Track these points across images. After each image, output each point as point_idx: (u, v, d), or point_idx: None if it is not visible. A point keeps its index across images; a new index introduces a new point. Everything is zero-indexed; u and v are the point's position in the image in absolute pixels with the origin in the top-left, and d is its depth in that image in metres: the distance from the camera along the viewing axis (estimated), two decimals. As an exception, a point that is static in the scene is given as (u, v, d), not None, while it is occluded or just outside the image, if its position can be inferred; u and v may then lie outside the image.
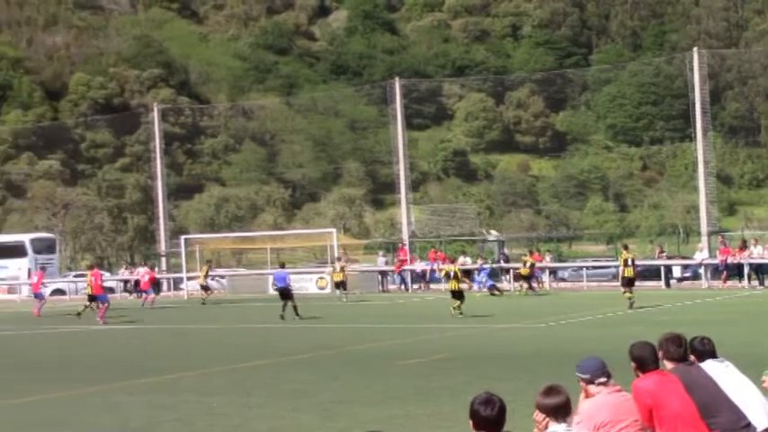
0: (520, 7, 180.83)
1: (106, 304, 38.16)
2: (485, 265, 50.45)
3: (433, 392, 16.95)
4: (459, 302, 33.79)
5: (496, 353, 23.03)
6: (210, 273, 53.57)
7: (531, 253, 51.36)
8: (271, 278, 54.77)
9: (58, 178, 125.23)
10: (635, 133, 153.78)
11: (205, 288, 49.62)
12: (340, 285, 46.49)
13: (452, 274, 35.11)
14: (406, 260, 56.19)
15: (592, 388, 7.84)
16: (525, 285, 46.96)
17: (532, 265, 48.07)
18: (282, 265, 40.41)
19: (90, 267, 44.79)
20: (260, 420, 14.93)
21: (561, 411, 6.82)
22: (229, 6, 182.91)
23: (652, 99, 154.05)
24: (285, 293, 36.42)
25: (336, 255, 52.53)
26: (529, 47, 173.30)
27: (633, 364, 8.35)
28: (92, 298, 38.90)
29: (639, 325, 26.91)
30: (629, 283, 34.91)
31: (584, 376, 7.87)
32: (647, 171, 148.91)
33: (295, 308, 35.59)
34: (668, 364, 8.59)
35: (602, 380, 7.77)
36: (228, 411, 15.79)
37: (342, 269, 47.31)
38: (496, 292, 46.72)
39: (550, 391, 6.88)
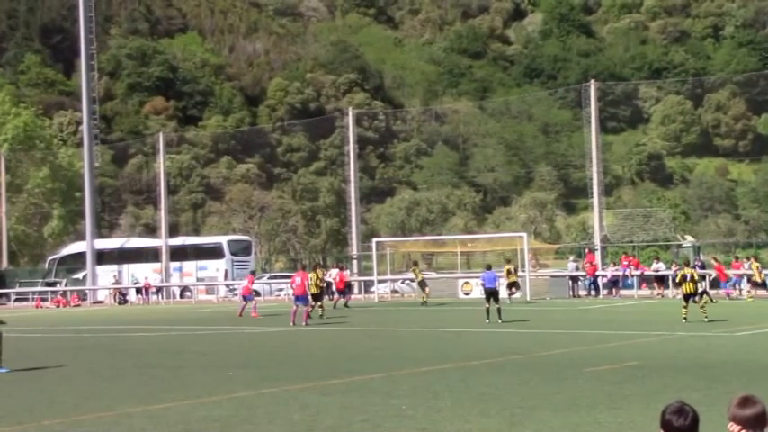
0: (722, 7, 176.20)
1: (307, 307, 38.16)
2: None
3: (624, 400, 16.63)
4: (687, 307, 33.38)
5: (687, 361, 22.43)
6: (402, 275, 54.08)
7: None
8: (462, 281, 55.05)
9: (255, 182, 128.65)
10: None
11: (422, 285, 49.79)
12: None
13: (689, 276, 34.00)
14: (596, 266, 55.45)
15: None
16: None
17: None
18: (489, 267, 39.88)
19: (303, 268, 46.01)
20: (446, 423, 14.92)
21: (758, 423, 6.55)
22: (425, 11, 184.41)
23: None
24: (493, 294, 36.35)
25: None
26: (730, 48, 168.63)
27: None
28: (316, 297, 39.34)
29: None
30: None
31: None
32: None
33: (498, 310, 35.53)
34: None
35: None
36: (415, 414, 15.85)
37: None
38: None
39: (746, 401, 6.60)
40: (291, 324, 37.15)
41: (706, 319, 32.79)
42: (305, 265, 46.55)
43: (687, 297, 33.42)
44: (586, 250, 59.29)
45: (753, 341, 27.04)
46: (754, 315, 35.69)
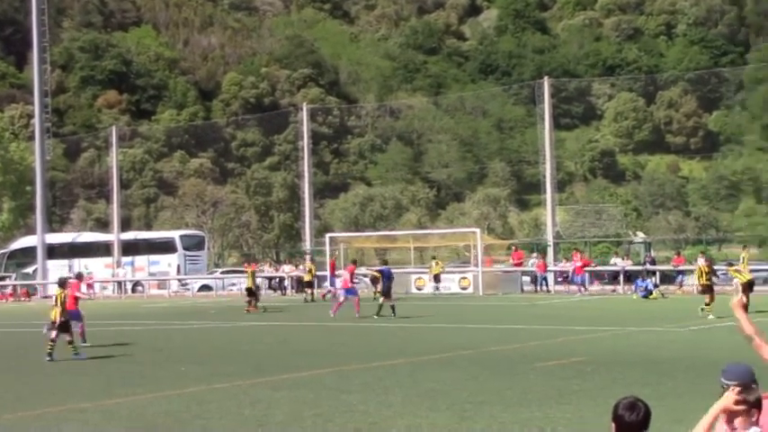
0: (675, 5, 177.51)
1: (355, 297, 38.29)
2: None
3: (573, 395, 16.79)
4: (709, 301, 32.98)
5: (637, 357, 22.66)
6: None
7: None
8: (415, 277, 55.33)
9: (208, 176, 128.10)
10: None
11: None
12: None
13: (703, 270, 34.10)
14: (521, 263, 57.06)
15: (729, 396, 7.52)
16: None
17: None
18: (386, 263, 42.48)
19: (354, 262, 44.88)
20: (397, 418, 15.00)
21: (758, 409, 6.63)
22: (380, 6, 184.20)
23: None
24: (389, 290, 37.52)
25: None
26: (683, 45, 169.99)
27: None
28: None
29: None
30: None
31: (733, 383, 7.47)
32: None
33: (393, 307, 36.24)
34: None
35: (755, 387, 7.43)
36: (366, 409, 15.93)
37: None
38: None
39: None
40: (332, 314, 37.13)
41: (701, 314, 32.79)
42: (355, 260, 46.48)
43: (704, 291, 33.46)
44: (513, 248, 60.28)
45: (702, 336, 27.36)
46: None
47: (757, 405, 6.64)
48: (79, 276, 38.24)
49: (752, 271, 53.57)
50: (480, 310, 40.48)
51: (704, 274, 33.85)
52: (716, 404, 6.59)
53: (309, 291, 51.49)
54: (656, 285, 47.76)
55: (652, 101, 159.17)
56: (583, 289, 50.88)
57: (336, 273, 51.62)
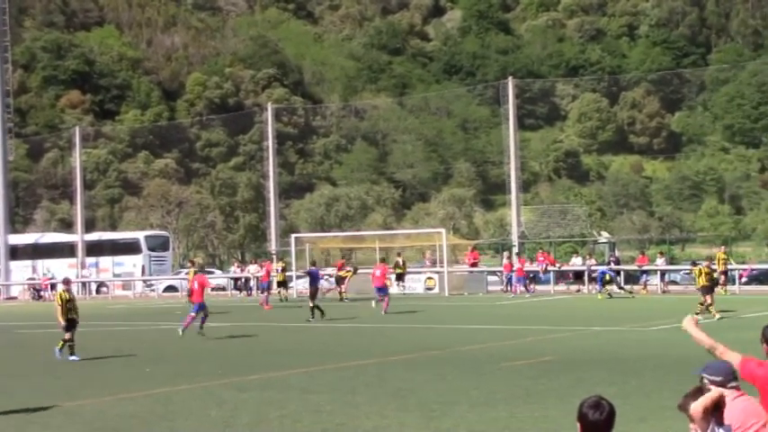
0: (637, 6, 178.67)
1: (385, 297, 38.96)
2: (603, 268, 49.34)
3: (539, 395, 16.83)
4: (708, 301, 32.30)
5: (602, 356, 22.76)
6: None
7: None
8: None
9: (173, 177, 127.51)
10: (753, 134, 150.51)
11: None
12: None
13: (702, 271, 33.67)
14: (477, 263, 57.86)
15: (724, 392, 7.53)
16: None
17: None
18: (314, 263, 43.49)
19: (382, 260, 46.02)
20: (364, 419, 14.98)
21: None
22: (344, 7, 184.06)
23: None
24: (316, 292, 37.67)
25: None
26: (645, 46, 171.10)
27: (766, 346, 8.23)
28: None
29: (750, 330, 26.26)
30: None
31: (715, 379, 7.52)
32: (765, 173, 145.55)
33: (319, 308, 36.18)
34: None
35: (735, 384, 7.48)
36: (333, 409, 15.89)
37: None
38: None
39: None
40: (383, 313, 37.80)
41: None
42: (383, 258, 46.47)
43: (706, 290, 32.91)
44: (470, 248, 60.76)
45: (667, 336, 27.48)
46: (669, 310, 36.28)
47: (722, 404, 6.69)
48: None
49: (754, 270, 54.40)
50: (447, 311, 40.53)
51: (704, 275, 33.20)
52: (704, 399, 6.62)
53: (283, 291, 51.24)
54: (611, 280, 47.60)
55: (615, 101, 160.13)
56: (521, 289, 50.34)
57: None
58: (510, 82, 63.32)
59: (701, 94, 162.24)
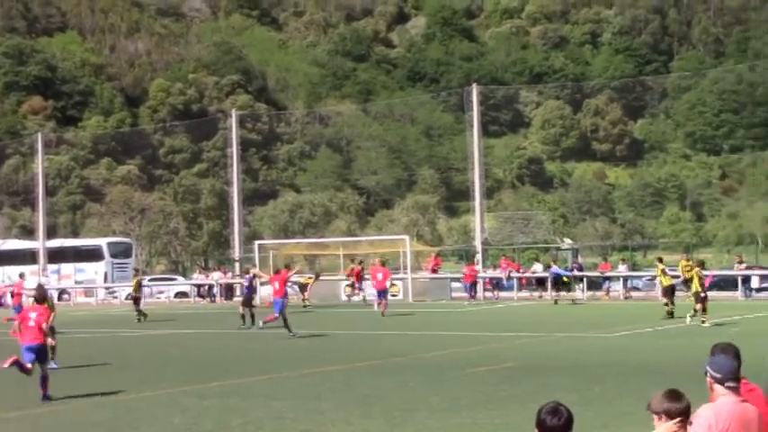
0: (600, 14, 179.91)
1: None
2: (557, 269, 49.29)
3: (501, 401, 16.91)
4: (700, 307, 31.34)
5: (565, 362, 22.88)
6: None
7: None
8: (344, 284, 55.02)
9: (136, 183, 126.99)
10: (714, 141, 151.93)
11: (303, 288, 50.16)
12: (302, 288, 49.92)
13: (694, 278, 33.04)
14: (437, 269, 58.14)
15: (718, 389, 7.35)
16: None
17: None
18: (247, 271, 44.33)
19: (383, 264, 44.54)
20: (329, 426, 15.00)
21: (689, 414, 6.65)
22: (308, 13, 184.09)
23: (733, 107, 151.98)
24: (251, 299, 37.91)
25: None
26: (608, 54, 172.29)
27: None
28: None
29: (714, 336, 26.48)
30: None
31: (716, 375, 7.36)
32: (725, 180, 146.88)
33: (252, 315, 35.98)
34: None
35: (732, 384, 7.31)
36: (298, 416, 15.90)
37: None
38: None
39: (676, 394, 6.66)
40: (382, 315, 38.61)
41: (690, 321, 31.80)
42: (384, 261, 46.06)
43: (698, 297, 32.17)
44: (433, 255, 61.03)
45: (629, 342, 27.68)
46: (631, 316, 36.54)
47: (688, 412, 6.70)
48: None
49: (715, 276, 54.65)
50: (411, 317, 40.58)
51: (699, 279, 32.34)
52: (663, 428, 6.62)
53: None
54: (566, 283, 47.90)
55: (579, 108, 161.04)
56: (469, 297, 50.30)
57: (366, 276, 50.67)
58: (474, 89, 63.43)
59: (663, 101, 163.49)
